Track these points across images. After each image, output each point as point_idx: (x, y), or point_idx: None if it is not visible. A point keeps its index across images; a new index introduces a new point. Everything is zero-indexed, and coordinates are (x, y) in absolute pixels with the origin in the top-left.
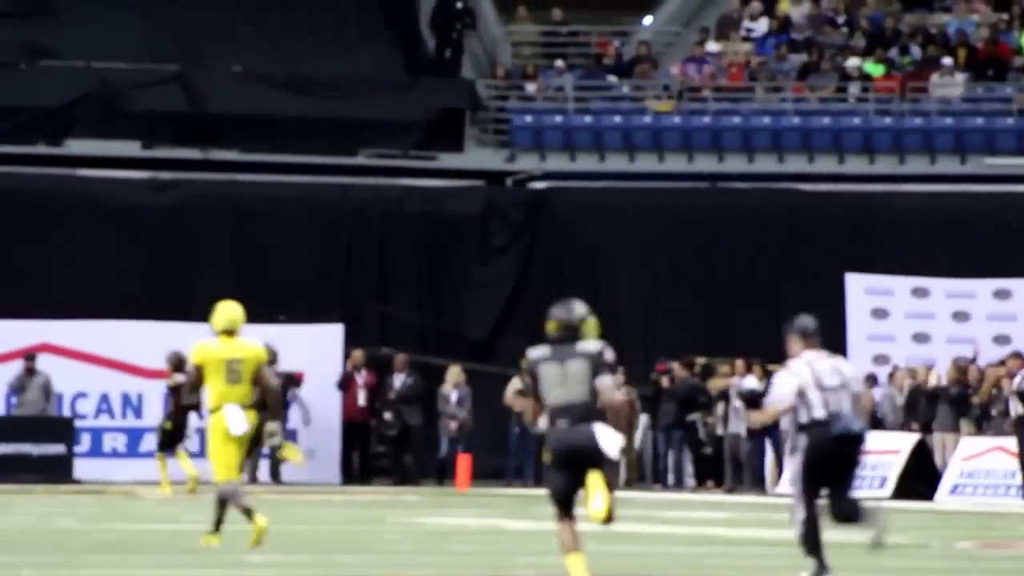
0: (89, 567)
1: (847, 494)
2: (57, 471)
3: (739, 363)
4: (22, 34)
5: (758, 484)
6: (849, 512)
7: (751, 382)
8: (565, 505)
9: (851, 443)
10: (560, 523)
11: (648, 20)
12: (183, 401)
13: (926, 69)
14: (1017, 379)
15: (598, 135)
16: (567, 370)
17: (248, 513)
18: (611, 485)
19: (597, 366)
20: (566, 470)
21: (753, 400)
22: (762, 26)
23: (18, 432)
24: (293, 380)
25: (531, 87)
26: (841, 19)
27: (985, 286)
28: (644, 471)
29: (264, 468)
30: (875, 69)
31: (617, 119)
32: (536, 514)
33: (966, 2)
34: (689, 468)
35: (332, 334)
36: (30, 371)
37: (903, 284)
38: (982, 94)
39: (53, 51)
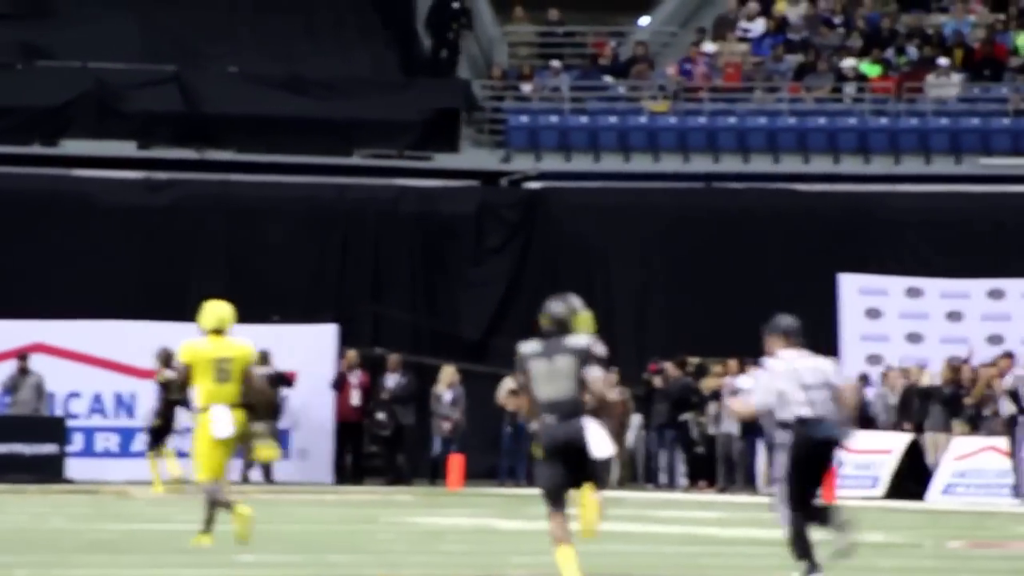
0: (81, 567)
1: (816, 495)
2: (49, 471)
3: (732, 363)
4: (19, 34)
5: (750, 484)
6: (818, 514)
7: (744, 382)
8: (557, 499)
9: (831, 446)
10: (552, 517)
11: (644, 20)
12: (171, 397)
13: (922, 69)
14: (1008, 379)
15: (594, 135)
16: (555, 366)
17: (230, 507)
18: (601, 483)
19: (584, 360)
20: (558, 464)
21: None
22: (758, 27)
23: (10, 432)
24: (286, 380)
25: (527, 87)
26: (838, 19)
27: (979, 286)
28: (637, 471)
29: (256, 468)
30: (871, 69)
31: (613, 119)
32: (529, 514)
33: (963, 3)
34: (682, 468)
35: (326, 334)
36: (23, 371)
37: (897, 284)
38: (978, 94)
39: (49, 51)
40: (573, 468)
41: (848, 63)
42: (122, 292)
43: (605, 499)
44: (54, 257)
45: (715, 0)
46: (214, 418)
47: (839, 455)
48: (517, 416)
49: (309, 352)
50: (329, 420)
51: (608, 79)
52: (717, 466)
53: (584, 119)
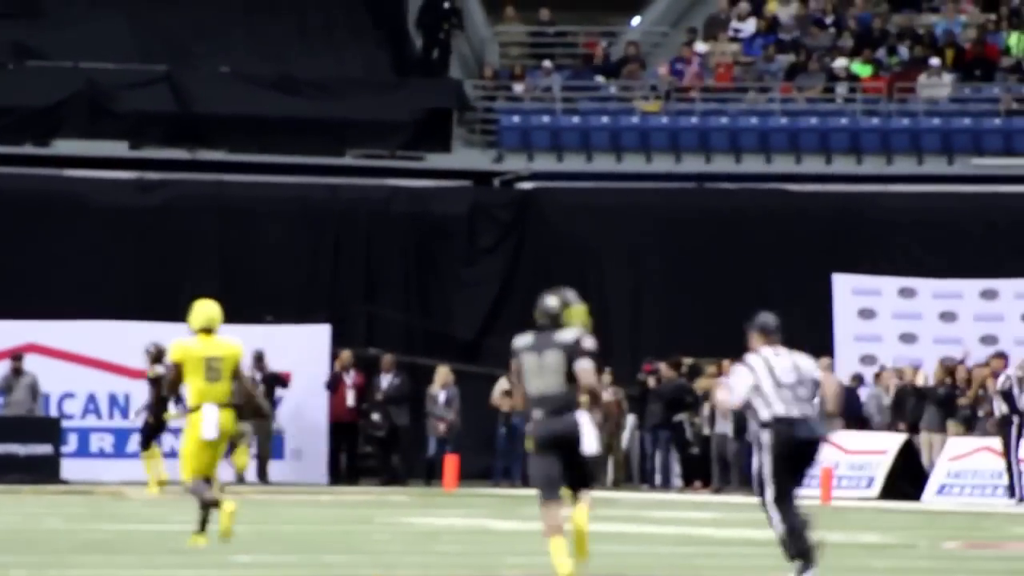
0: (76, 567)
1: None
2: (44, 471)
3: (726, 363)
4: (10, 34)
5: (745, 484)
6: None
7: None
8: (549, 489)
9: (813, 445)
10: (544, 506)
11: (636, 20)
12: (163, 393)
13: (914, 70)
14: (1001, 379)
15: (585, 135)
16: (543, 361)
17: (215, 504)
18: (592, 478)
19: (572, 355)
20: (550, 456)
21: None
22: (750, 27)
23: (5, 432)
24: (280, 380)
25: (519, 87)
26: (829, 19)
27: (972, 286)
28: (631, 471)
29: (251, 468)
30: (863, 70)
31: (605, 119)
32: (524, 514)
33: (954, 3)
34: (676, 468)
35: (319, 334)
36: (17, 371)
37: (890, 284)
38: (970, 95)
39: (41, 51)
40: (565, 461)
41: (839, 63)
42: (115, 292)
43: (594, 500)
44: (47, 257)
45: (706, 0)
46: (204, 418)
47: (822, 452)
48: (511, 416)
49: (303, 352)
50: (323, 420)
51: (600, 79)
52: (712, 466)
53: (576, 119)
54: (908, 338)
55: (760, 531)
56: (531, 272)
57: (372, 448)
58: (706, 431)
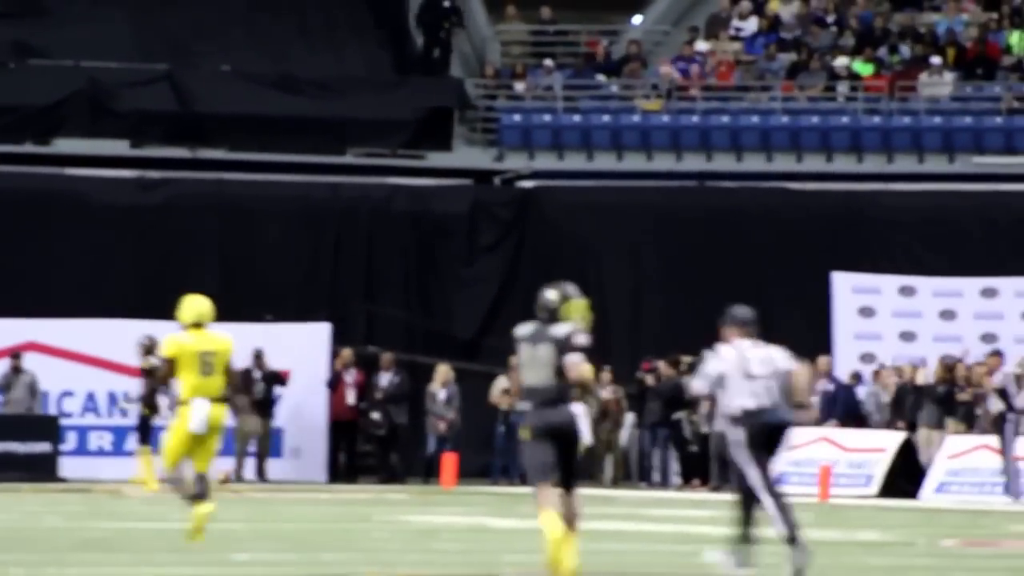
0: (75, 565)
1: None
2: (43, 469)
3: None
4: (11, 33)
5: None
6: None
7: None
8: (543, 474)
9: (781, 432)
10: (539, 488)
11: (637, 19)
12: (156, 385)
13: (915, 68)
14: (997, 376)
15: (586, 134)
16: (536, 353)
17: (194, 499)
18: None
19: (563, 350)
20: (545, 445)
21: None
22: (751, 25)
23: (4, 430)
24: (279, 379)
25: (520, 86)
26: (830, 18)
27: (972, 284)
28: (630, 469)
29: (250, 466)
30: (864, 68)
31: (606, 118)
32: (522, 512)
33: (955, 1)
34: (675, 466)
35: (319, 333)
36: (16, 369)
37: (890, 283)
38: (971, 93)
39: (42, 50)
40: (560, 452)
41: (841, 62)
42: (115, 291)
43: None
44: (47, 256)
45: None
46: (193, 412)
47: (789, 438)
48: (510, 414)
49: (302, 351)
50: (323, 419)
51: (601, 78)
52: (710, 464)
53: (577, 118)
54: (908, 336)
55: (756, 530)
56: (532, 271)
57: (371, 446)
58: (704, 429)
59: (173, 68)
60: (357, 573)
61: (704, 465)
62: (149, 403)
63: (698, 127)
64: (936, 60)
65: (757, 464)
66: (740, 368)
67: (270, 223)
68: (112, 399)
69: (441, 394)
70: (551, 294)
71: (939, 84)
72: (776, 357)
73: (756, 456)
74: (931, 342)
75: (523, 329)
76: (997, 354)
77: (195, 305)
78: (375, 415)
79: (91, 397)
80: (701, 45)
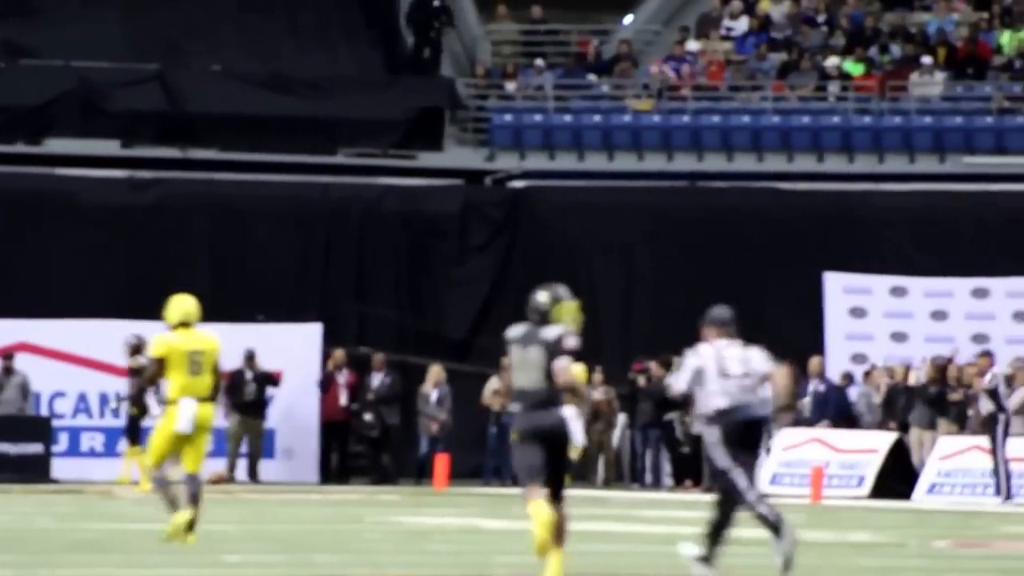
0: (67, 567)
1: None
2: (34, 470)
3: None
4: (1, 33)
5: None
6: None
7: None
8: (532, 476)
9: (756, 427)
10: (528, 487)
11: (628, 19)
12: (142, 386)
13: (906, 68)
14: (987, 377)
15: (578, 134)
16: (527, 355)
17: (173, 504)
18: (567, 469)
19: (553, 352)
20: (535, 447)
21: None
22: (742, 25)
23: None
24: (271, 379)
25: (511, 86)
26: (821, 18)
27: (963, 285)
28: (622, 470)
29: (242, 467)
30: (855, 68)
31: (597, 118)
32: (514, 513)
33: (946, 1)
34: (667, 467)
35: (311, 333)
36: (8, 370)
37: (881, 283)
38: (962, 93)
39: (33, 50)
40: (549, 456)
41: (831, 62)
42: (106, 291)
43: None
44: (38, 256)
45: None
46: (180, 411)
47: (767, 435)
48: (502, 415)
49: (294, 351)
50: (314, 419)
51: (592, 78)
52: (702, 465)
53: (568, 118)
54: (899, 337)
55: (750, 530)
56: (523, 271)
57: (363, 447)
58: (696, 430)
59: (164, 68)
60: (349, 574)
61: (696, 466)
62: (138, 403)
63: (689, 127)
64: (927, 60)
65: (735, 461)
66: (717, 367)
67: (261, 223)
68: (104, 400)
69: (433, 395)
70: (542, 296)
71: (930, 84)
72: (754, 358)
73: (733, 454)
74: (922, 343)
75: (514, 331)
76: (987, 355)
77: (182, 305)
78: (367, 416)
79: (83, 398)
80: (692, 45)
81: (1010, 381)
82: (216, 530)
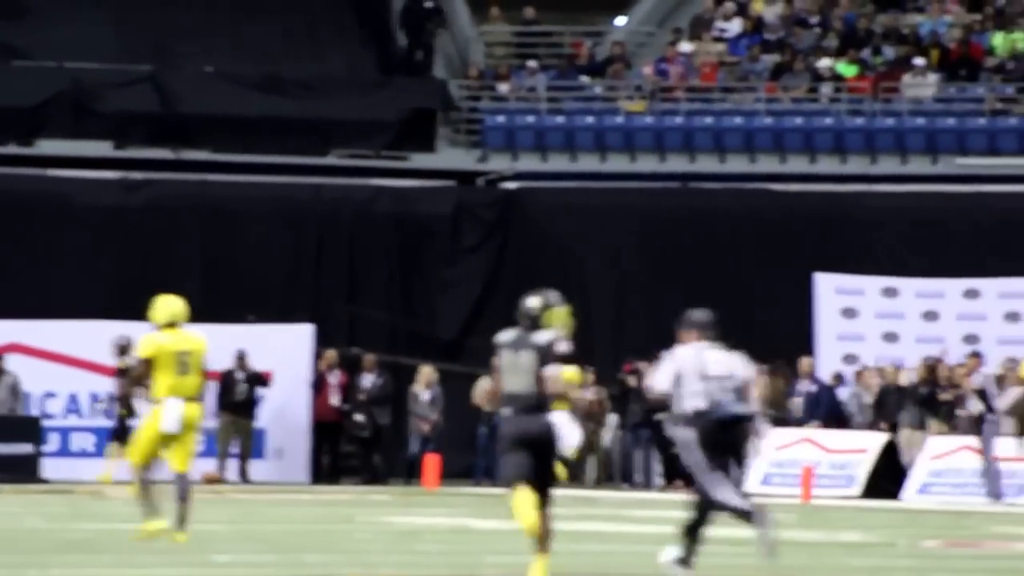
0: (57, 567)
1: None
2: (25, 471)
3: None
4: None
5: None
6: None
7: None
8: (518, 478)
9: (734, 426)
10: (515, 486)
11: (621, 20)
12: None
13: (898, 69)
14: (976, 377)
15: (570, 135)
16: (518, 360)
17: (150, 509)
18: (551, 483)
19: (545, 357)
20: (521, 454)
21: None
22: (735, 26)
23: None
24: (262, 380)
25: (503, 87)
26: (814, 19)
27: (954, 286)
28: (612, 470)
29: (232, 467)
30: (847, 69)
31: (589, 119)
32: (505, 514)
33: (939, 3)
34: (657, 467)
35: (302, 334)
36: None
37: (873, 284)
38: (954, 94)
39: (25, 51)
40: (537, 461)
41: (824, 63)
42: (98, 292)
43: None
44: (30, 257)
45: (691, 0)
46: (166, 410)
47: (748, 433)
48: (493, 416)
49: (285, 352)
50: (305, 420)
51: (584, 79)
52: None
53: (560, 119)
54: (891, 337)
55: (740, 530)
56: (515, 272)
57: (354, 447)
58: (669, 431)
59: (156, 69)
60: (339, 574)
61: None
62: (126, 404)
63: (682, 128)
64: (919, 61)
65: (709, 463)
66: (696, 369)
67: (253, 224)
68: (95, 400)
69: (424, 395)
70: (533, 301)
71: (922, 85)
72: (733, 362)
73: (709, 455)
74: (914, 343)
75: (505, 336)
76: (976, 355)
77: (169, 305)
78: (358, 416)
79: (73, 398)
80: (685, 46)
81: (1000, 381)
82: (206, 530)
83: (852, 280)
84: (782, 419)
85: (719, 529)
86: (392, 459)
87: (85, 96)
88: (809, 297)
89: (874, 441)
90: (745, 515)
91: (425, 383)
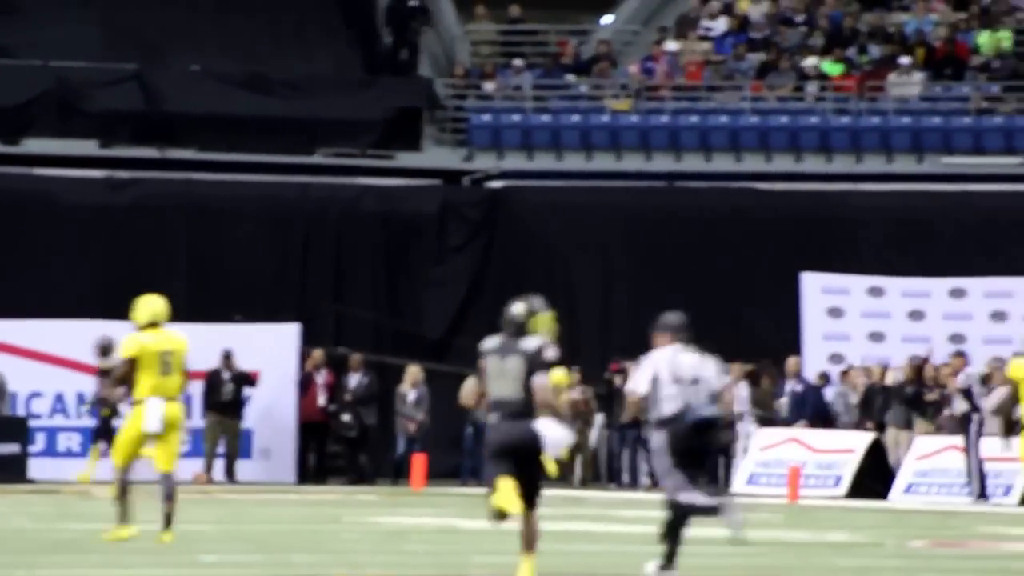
0: (45, 567)
1: (704, 483)
2: (11, 471)
3: None
4: None
5: (712, 483)
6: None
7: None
8: (503, 474)
9: (707, 430)
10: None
11: (607, 19)
12: (111, 387)
13: (884, 68)
14: (961, 377)
15: (556, 134)
16: (505, 366)
17: (124, 513)
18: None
19: (532, 365)
20: (506, 462)
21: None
22: (721, 25)
23: None
24: (248, 379)
25: (489, 86)
26: (800, 18)
27: (940, 285)
28: (599, 470)
29: (219, 467)
30: (833, 68)
31: (575, 118)
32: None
33: (924, 1)
34: (644, 467)
35: (288, 333)
36: None
37: (859, 283)
38: (940, 93)
39: (10, 50)
40: (522, 465)
41: (810, 62)
42: (84, 291)
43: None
44: (15, 256)
45: None
46: (147, 411)
47: (719, 437)
48: (479, 415)
49: (271, 352)
50: (292, 420)
51: (570, 78)
52: None
53: (546, 118)
54: (877, 337)
55: (728, 530)
56: (501, 271)
57: (340, 447)
58: (646, 434)
59: (142, 68)
60: (327, 574)
61: None
62: (109, 404)
63: (667, 127)
64: (905, 60)
65: (678, 467)
66: (670, 373)
67: (239, 223)
68: (81, 400)
69: (411, 395)
70: (518, 308)
71: (908, 84)
72: (706, 366)
73: (679, 460)
74: (900, 343)
75: (490, 342)
76: (960, 355)
77: (150, 305)
78: (345, 416)
79: (60, 398)
80: (670, 45)
81: (986, 381)
82: (193, 530)
83: (838, 279)
84: (768, 419)
85: (706, 530)
86: (379, 459)
87: (71, 95)
88: (795, 297)
89: (861, 441)
90: (711, 511)
91: (411, 383)
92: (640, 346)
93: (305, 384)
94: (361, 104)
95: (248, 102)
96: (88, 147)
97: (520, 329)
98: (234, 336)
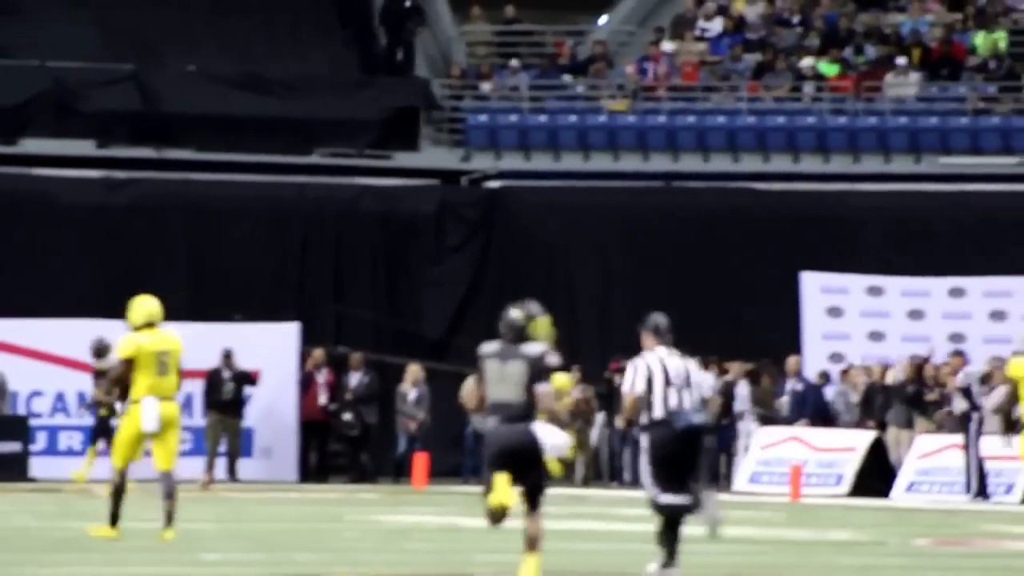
0: (45, 565)
1: (688, 488)
2: (12, 469)
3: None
4: None
5: (713, 481)
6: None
7: (708, 379)
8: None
9: (694, 437)
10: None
11: (603, 19)
12: (108, 388)
13: (880, 69)
14: (961, 376)
15: (553, 134)
16: (506, 370)
17: (114, 513)
18: (541, 488)
19: (535, 371)
20: (503, 466)
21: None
22: (717, 26)
23: None
24: (249, 379)
25: (486, 86)
26: (796, 19)
27: (939, 284)
28: (600, 469)
29: (221, 465)
30: (829, 69)
31: (572, 118)
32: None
33: (920, 2)
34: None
35: (288, 333)
36: None
37: (858, 282)
38: (936, 94)
39: (7, 50)
40: (523, 468)
41: (806, 62)
42: (83, 291)
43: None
44: (14, 256)
45: None
46: (144, 410)
47: (704, 443)
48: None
49: (272, 351)
50: (293, 418)
51: (567, 78)
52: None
53: (543, 118)
54: (876, 336)
55: (729, 528)
56: (499, 271)
57: (342, 446)
58: (636, 434)
59: (139, 68)
60: (328, 573)
61: None
62: (107, 404)
63: (664, 127)
64: (901, 60)
65: (656, 472)
66: (662, 374)
67: (237, 223)
68: (81, 399)
69: (411, 394)
70: (516, 313)
71: (904, 84)
72: (692, 371)
73: (659, 469)
74: (899, 342)
75: (489, 347)
76: (959, 354)
77: (145, 305)
78: (346, 415)
79: (60, 397)
80: (667, 45)
81: (986, 380)
82: (195, 528)
83: (837, 279)
84: (769, 418)
85: (705, 527)
86: (380, 458)
87: (68, 95)
88: (795, 296)
89: (862, 439)
90: (690, 508)
91: (412, 382)
92: (640, 346)
93: (306, 383)
94: (358, 104)
95: (245, 102)
96: (85, 147)
97: (520, 334)
98: (234, 336)
